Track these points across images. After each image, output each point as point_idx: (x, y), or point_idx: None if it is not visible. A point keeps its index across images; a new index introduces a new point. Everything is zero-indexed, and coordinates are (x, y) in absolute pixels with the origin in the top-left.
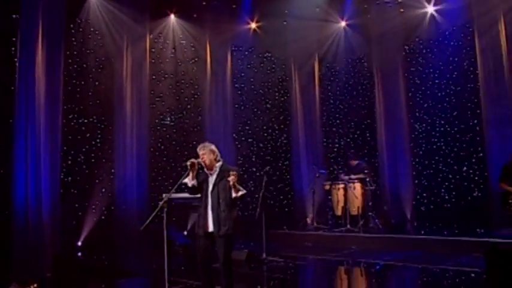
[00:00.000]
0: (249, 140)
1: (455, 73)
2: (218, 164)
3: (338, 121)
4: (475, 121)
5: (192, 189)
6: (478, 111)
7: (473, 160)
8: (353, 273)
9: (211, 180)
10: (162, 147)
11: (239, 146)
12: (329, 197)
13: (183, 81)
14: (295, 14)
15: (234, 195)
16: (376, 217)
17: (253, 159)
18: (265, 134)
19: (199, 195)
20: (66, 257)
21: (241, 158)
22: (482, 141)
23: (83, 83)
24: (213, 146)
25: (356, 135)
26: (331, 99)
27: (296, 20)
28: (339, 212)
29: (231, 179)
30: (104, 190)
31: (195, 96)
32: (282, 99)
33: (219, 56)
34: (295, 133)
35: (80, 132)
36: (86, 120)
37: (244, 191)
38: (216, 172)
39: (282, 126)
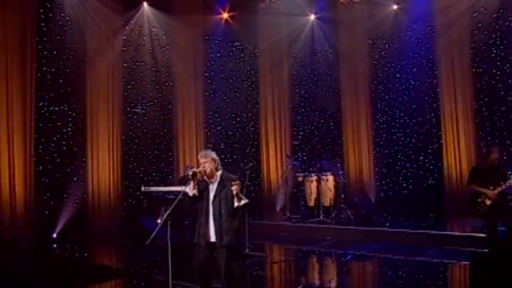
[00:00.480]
0: (218, 127)
1: (415, 69)
2: (218, 173)
3: (303, 109)
4: (432, 114)
5: (192, 199)
6: (435, 105)
7: (429, 151)
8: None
9: (212, 189)
10: (134, 135)
11: (208, 133)
12: (302, 188)
13: (154, 69)
14: (266, 5)
15: (236, 204)
16: (347, 208)
17: (222, 146)
18: (234, 122)
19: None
20: (43, 251)
21: (210, 145)
22: (438, 133)
23: (53, 70)
24: (214, 154)
25: (320, 124)
26: (297, 88)
27: (267, 11)
28: (311, 203)
29: (235, 188)
30: (75, 179)
31: (166, 84)
32: (251, 87)
33: (190, 45)
34: (263, 121)
35: (51, 120)
36: (56, 108)
37: (247, 200)
38: (217, 181)
39: (250, 114)
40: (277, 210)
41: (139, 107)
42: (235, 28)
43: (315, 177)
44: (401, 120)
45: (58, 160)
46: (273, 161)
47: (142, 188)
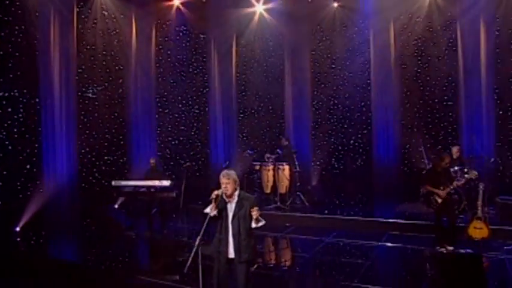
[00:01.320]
0: (166, 110)
1: (349, 61)
2: (236, 192)
3: (246, 94)
4: (362, 103)
5: (212, 218)
6: (366, 94)
7: (359, 135)
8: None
9: (231, 208)
10: (85, 119)
11: (157, 116)
12: (255, 176)
13: (104, 53)
14: None
15: (254, 225)
16: (302, 195)
17: (169, 128)
18: (180, 105)
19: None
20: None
21: (159, 129)
22: (368, 120)
23: (1, 53)
24: (235, 174)
25: (261, 106)
26: (240, 73)
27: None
28: (268, 190)
29: (255, 214)
30: (28, 167)
31: (116, 68)
32: (197, 71)
33: (143, 30)
34: (211, 105)
35: (1, 106)
36: (6, 94)
37: (264, 222)
38: (235, 200)
39: (195, 97)
40: None
41: (91, 91)
42: (186, 15)
43: (271, 166)
44: (335, 107)
45: (10, 148)
46: (220, 145)
47: (113, 183)
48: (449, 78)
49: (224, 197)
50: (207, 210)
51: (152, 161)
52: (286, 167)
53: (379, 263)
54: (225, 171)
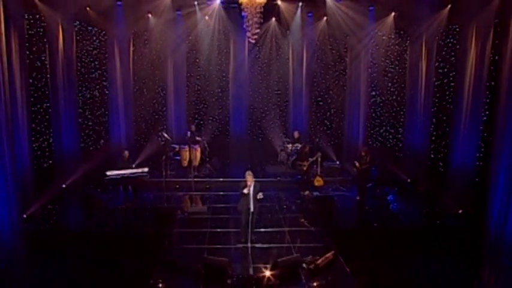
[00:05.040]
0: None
1: (212, 59)
2: (253, 180)
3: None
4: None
5: (244, 194)
6: (223, 83)
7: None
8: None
9: (251, 190)
10: None
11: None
12: (171, 154)
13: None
14: None
15: (259, 197)
16: (210, 166)
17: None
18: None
19: None
20: None
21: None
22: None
23: None
24: (252, 173)
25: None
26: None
27: None
28: (185, 165)
29: (261, 194)
30: None
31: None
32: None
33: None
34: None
35: None
36: None
37: (262, 197)
38: (253, 185)
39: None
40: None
41: None
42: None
43: (187, 148)
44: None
45: None
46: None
47: (108, 172)
48: (279, 76)
49: (248, 183)
50: (245, 191)
51: (126, 153)
52: (198, 148)
53: (278, 206)
54: (248, 171)
